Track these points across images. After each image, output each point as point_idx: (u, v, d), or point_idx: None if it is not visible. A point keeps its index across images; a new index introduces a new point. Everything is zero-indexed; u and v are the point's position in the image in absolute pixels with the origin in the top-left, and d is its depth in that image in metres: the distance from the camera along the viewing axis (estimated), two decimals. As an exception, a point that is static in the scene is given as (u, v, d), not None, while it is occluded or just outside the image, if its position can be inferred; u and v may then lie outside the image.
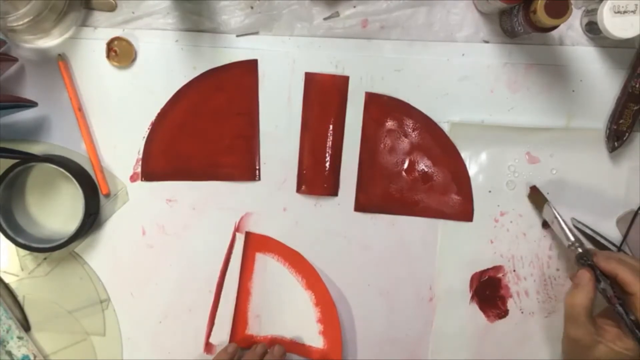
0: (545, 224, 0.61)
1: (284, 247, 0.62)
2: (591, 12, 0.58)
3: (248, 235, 0.62)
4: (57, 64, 0.60)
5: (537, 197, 0.60)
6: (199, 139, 0.61)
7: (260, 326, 0.62)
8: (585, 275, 0.53)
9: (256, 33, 0.61)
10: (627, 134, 0.60)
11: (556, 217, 0.57)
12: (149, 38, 0.61)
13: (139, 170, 0.62)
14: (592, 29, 0.59)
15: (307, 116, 0.61)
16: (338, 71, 0.61)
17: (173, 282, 0.62)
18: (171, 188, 0.62)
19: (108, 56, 0.60)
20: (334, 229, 0.62)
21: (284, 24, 0.61)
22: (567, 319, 0.53)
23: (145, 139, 0.61)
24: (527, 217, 0.62)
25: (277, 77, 0.61)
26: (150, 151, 0.62)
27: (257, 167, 0.62)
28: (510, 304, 0.62)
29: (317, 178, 0.62)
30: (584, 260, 0.54)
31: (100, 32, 0.61)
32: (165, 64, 0.61)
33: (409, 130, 0.62)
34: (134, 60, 0.61)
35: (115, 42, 0.60)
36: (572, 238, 0.56)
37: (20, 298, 0.62)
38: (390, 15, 0.60)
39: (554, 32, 0.58)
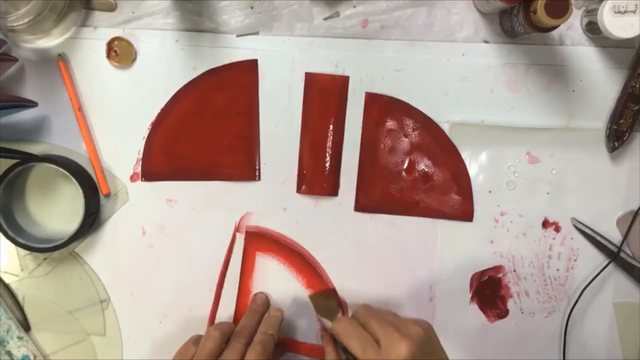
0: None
1: (285, 247, 0.62)
2: (591, 12, 0.58)
3: (248, 235, 0.62)
4: (57, 64, 0.60)
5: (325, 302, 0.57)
6: (199, 139, 0.61)
7: (260, 326, 0.62)
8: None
9: (256, 33, 0.61)
10: (627, 134, 0.60)
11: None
12: (149, 38, 0.61)
13: (139, 170, 0.62)
14: (592, 29, 0.59)
15: (307, 116, 0.61)
16: (338, 71, 0.61)
17: (173, 282, 0.62)
18: (171, 188, 0.62)
19: (108, 56, 0.60)
20: (334, 229, 0.62)
21: (284, 24, 0.61)
22: None
23: (145, 139, 0.61)
24: (527, 217, 0.62)
25: (277, 77, 0.61)
26: (150, 151, 0.62)
27: (257, 167, 0.62)
28: (511, 304, 0.62)
29: (317, 178, 0.62)
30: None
31: (100, 32, 0.61)
32: (165, 64, 0.61)
33: (409, 130, 0.62)
34: (134, 60, 0.61)
35: (115, 42, 0.60)
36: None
37: (20, 298, 0.62)
38: (390, 15, 0.60)
39: (554, 32, 0.58)
